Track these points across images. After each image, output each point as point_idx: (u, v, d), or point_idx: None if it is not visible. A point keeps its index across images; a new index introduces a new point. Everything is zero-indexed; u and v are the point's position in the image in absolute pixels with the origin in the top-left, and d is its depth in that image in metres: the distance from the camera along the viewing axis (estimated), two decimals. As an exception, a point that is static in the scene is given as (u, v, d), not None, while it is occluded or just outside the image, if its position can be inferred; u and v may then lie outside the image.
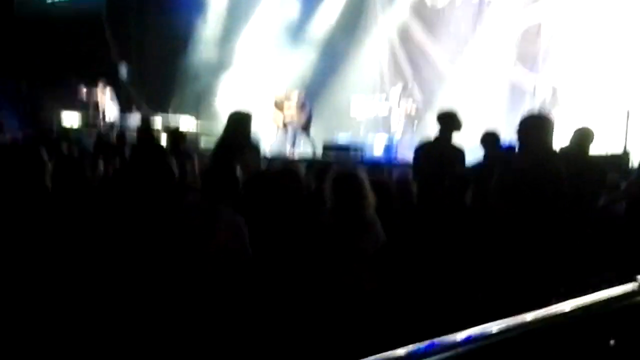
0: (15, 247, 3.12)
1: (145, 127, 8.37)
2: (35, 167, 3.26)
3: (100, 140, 11.72)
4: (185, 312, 3.83)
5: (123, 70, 19.09)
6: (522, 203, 4.81)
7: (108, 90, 16.63)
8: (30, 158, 3.28)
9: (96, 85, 16.75)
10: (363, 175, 4.83)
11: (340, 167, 5.35)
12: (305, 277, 4.40)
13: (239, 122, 6.71)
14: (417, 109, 15.49)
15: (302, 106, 15.05)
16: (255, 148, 6.63)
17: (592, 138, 6.53)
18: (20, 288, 3.12)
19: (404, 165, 11.20)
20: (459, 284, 5.08)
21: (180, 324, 3.77)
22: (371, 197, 4.72)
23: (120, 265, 3.85)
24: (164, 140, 10.25)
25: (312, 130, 16.04)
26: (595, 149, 9.94)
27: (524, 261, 4.75)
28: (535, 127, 5.02)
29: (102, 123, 17.01)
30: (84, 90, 17.13)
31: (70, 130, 18.66)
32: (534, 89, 13.27)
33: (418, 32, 17.45)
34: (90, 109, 18.40)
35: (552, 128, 5.02)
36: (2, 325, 3.01)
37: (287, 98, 15.26)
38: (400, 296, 4.76)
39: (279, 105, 15.31)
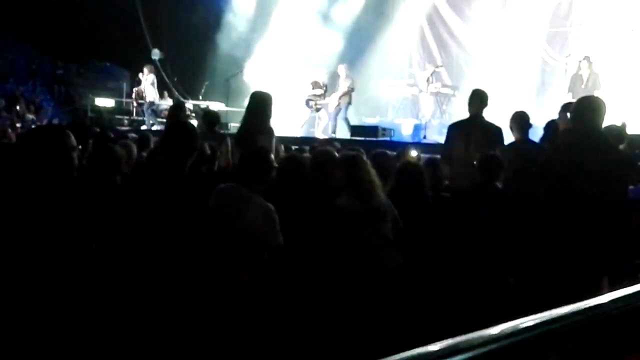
0: (40, 231, 3.17)
1: (178, 108, 8.35)
2: (62, 151, 3.31)
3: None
4: (211, 299, 3.88)
5: (156, 56, 19.22)
6: (579, 184, 4.75)
7: (152, 76, 16.80)
8: (58, 142, 3.33)
9: (141, 71, 16.89)
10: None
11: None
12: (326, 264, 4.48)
13: (259, 103, 6.71)
14: (445, 92, 15.41)
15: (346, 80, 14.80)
16: (269, 131, 6.62)
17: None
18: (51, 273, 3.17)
19: (433, 146, 11.24)
20: (492, 269, 5.11)
21: (205, 310, 3.82)
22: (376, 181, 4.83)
23: (148, 250, 3.89)
24: (195, 123, 10.30)
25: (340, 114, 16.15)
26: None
27: (566, 246, 4.69)
28: (591, 108, 5.00)
29: (139, 108, 17.21)
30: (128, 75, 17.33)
31: (104, 114, 18.89)
32: (565, 70, 13.12)
33: (447, 12, 17.38)
34: (125, 94, 18.61)
35: (604, 111, 5.01)
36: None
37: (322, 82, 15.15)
38: (432, 281, 4.83)
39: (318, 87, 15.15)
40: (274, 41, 18.47)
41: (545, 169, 5.13)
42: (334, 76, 15.32)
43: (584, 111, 4.99)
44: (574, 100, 10.42)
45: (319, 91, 15.00)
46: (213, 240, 4.02)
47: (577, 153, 4.82)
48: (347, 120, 14.38)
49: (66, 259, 3.17)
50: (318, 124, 15.17)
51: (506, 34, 16.22)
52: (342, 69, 14.65)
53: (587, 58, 12.48)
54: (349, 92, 14.30)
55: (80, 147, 3.86)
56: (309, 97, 15.08)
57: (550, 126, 7.01)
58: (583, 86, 12.19)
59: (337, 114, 14.36)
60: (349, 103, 14.41)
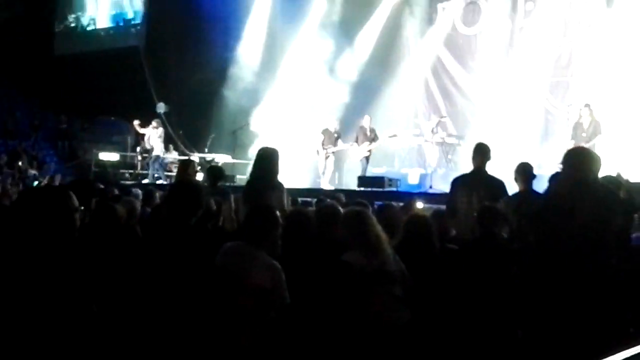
0: (39, 288, 3.13)
1: (187, 165, 8.32)
2: (64, 214, 3.27)
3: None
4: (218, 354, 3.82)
5: (161, 109, 19.34)
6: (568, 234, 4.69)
7: (160, 130, 16.93)
8: (60, 204, 3.29)
9: (149, 124, 17.01)
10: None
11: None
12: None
13: (266, 159, 6.67)
14: (451, 141, 15.43)
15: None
16: (279, 187, 6.58)
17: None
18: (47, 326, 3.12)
19: (439, 195, 11.20)
20: (500, 320, 5.03)
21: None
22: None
23: (154, 304, 3.85)
24: (200, 177, 10.28)
25: (347, 163, 16.17)
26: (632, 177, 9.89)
27: (562, 297, 4.61)
28: (580, 159, 4.96)
29: (143, 162, 17.26)
30: (137, 128, 17.45)
31: (108, 168, 18.94)
32: (568, 119, 13.17)
33: (450, 63, 17.54)
34: (130, 148, 18.69)
35: (596, 160, 4.96)
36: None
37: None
38: (438, 331, 4.75)
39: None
40: (280, 93, 18.57)
41: (535, 219, 5.08)
42: (346, 126, 15.56)
43: (573, 162, 4.96)
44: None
45: (331, 139, 15.21)
46: (217, 301, 3.97)
47: (567, 203, 4.76)
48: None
49: (67, 323, 3.11)
50: (324, 174, 15.16)
51: (509, 83, 16.32)
52: (367, 120, 15.06)
53: (587, 106, 12.53)
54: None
55: (82, 207, 3.81)
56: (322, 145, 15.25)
57: (555, 178, 6.98)
58: (584, 134, 12.27)
59: (367, 162, 14.98)
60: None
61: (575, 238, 4.62)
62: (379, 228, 4.83)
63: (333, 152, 15.18)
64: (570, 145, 11.81)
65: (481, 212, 5.72)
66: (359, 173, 14.87)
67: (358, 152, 14.98)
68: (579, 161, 4.93)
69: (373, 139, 14.88)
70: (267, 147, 6.92)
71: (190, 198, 4.31)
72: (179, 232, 4.18)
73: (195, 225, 4.33)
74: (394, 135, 15.56)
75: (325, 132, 15.25)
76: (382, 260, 4.71)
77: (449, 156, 15.33)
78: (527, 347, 4.86)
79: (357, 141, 15.00)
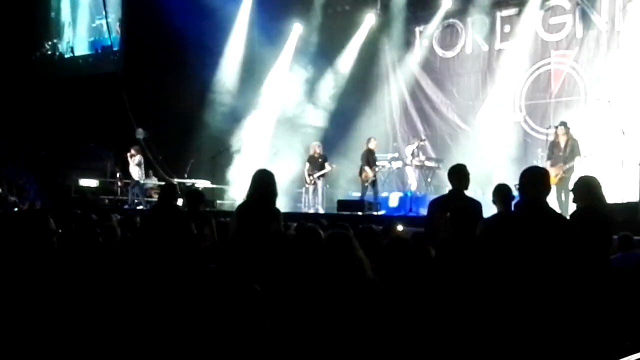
0: (19, 312, 3.11)
1: (169, 189, 8.24)
2: (42, 236, 3.26)
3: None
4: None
5: (140, 135, 19.29)
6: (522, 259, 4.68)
7: (139, 157, 16.86)
8: (38, 228, 3.28)
9: (128, 152, 16.95)
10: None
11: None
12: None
13: (264, 182, 6.56)
14: (430, 165, 15.53)
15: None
16: (276, 213, 6.51)
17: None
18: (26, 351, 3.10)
19: (420, 218, 11.23)
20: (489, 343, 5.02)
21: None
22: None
23: (134, 329, 3.82)
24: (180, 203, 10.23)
25: (326, 188, 16.23)
26: (611, 199, 9.95)
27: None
28: (532, 180, 4.94)
29: (124, 188, 17.17)
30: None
31: (88, 195, 18.80)
32: (547, 142, 13.17)
33: (429, 86, 17.67)
34: (110, 174, 18.59)
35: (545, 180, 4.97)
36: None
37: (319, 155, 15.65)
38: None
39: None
40: (260, 118, 18.57)
41: (485, 244, 5.07)
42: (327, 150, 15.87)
43: (525, 183, 4.94)
44: (552, 169, 10.49)
45: (316, 164, 15.49)
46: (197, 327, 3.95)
47: (517, 230, 4.79)
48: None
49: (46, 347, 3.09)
50: (307, 200, 15.22)
51: (487, 106, 16.50)
52: (374, 144, 15.39)
53: (563, 124, 12.50)
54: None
55: (60, 231, 3.80)
56: (309, 172, 15.58)
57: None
58: (561, 153, 12.25)
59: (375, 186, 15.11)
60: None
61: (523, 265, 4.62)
62: (360, 252, 4.82)
63: (319, 177, 15.33)
64: (547, 166, 11.89)
65: (453, 213, 5.73)
66: (341, 197, 14.96)
67: (370, 174, 15.06)
68: (528, 182, 4.92)
69: (375, 162, 15.17)
70: (263, 170, 6.76)
71: (173, 222, 4.29)
72: (161, 257, 4.15)
73: (177, 248, 4.30)
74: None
75: (311, 159, 15.35)
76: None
77: (429, 179, 15.43)
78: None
79: (368, 165, 15.09)
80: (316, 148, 15.70)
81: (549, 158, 12.51)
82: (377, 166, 15.20)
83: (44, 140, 21.82)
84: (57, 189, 19.90)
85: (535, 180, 4.91)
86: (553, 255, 4.62)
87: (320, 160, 15.44)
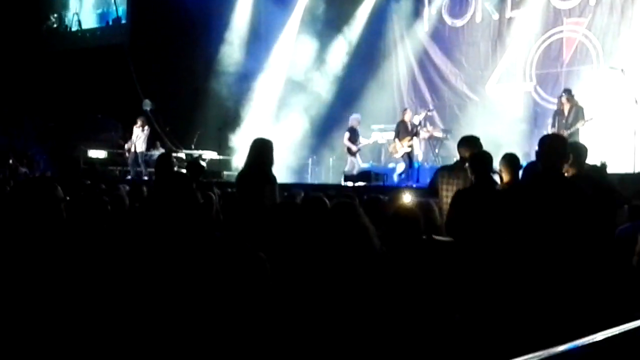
0: (27, 280, 3.12)
1: (164, 159, 8.25)
2: (49, 203, 3.26)
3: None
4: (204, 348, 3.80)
5: (147, 106, 19.27)
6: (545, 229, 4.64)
7: (146, 129, 16.82)
8: (45, 194, 3.28)
9: (134, 123, 16.91)
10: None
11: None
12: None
13: (261, 150, 6.69)
14: (438, 135, 15.44)
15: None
16: (272, 180, 6.58)
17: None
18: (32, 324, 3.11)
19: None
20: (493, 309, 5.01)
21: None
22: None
23: (140, 296, 3.83)
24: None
25: (332, 160, 16.14)
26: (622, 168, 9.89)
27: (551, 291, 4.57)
28: (548, 149, 4.89)
29: (130, 160, 17.12)
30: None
31: (96, 165, 18.86)
32: (557, 109, 13.01)
33: (437, 56, 17.51)
34: (118, 145, 18.61)
35: (562, 147, 4.92)
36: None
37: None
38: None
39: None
40: (266, 88, 18.52)
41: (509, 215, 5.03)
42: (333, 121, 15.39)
43: (541, 152, 4.92)
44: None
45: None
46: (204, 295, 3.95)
47: (536, 198, 4.73)
48: None
49: (59, 312, 3.10)
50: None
51: (497, 76, 16.36)
52: (409, 114, 14.80)
53: (566, 91, 12.42)
54: None
55: (68, 198, 3.80)
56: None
57: (529, 167, 6.88)
58: (564, 121, 12.15)
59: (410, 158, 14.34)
60: None
61: (550, 238, 4.57)
62: (366, 219, 4.81)
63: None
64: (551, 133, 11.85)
65: (472, 159, 5.91)
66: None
67: (399, 148, 14.34)
68: (545, 150, 4.88)
69: (415, 133, 14.29)
70: (261, 138, 6.91)
71: (178, 189, 4.28)
72: (169, 225, 4.15)
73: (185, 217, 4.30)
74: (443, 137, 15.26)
75: (352, 130, 15.17)
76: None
77: (436, 150, 15.36)
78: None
79: (397, 137, 14.42)
80: (357, 118, 15.30)
81: (552, 126, 12.41)
82: (409, 139, 14.22)
83: (52, 112, 21.84)
84: (66, 160, 19.99)
85: (555, 148, 4.87)
86: (573, 223, 4.60)
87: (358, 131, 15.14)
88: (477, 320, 4.89)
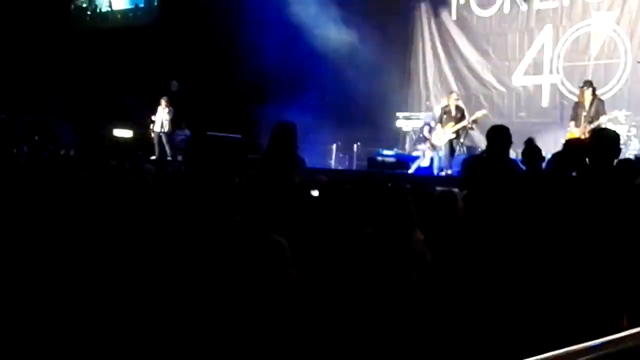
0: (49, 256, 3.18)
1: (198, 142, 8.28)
2: (71, 183, 3.33)
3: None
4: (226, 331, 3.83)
5: (174, 87, 19.34)
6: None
7: (170, 109, 16.88)
8: (67, 175, 3.34)
9: (158, 103, 16.98)
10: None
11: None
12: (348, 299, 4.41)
13: (283, 134, 6.67)
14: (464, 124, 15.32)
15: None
16: (298, 162, 6.56)
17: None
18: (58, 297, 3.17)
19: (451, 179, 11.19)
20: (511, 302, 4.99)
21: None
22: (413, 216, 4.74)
23: (161, 277, 3.87)
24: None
25: (357, 146, 16.09)
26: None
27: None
28: (598, 144, 4.83)
29: (155, 140, 17.19)
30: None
31: (121, 145, 18.97)
32: (578, 101, 12.78)
33: (464, 45, 17.40)
34: (142, 126, 18.67)
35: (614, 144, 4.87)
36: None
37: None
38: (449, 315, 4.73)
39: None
40: (292, 72, 18.47)
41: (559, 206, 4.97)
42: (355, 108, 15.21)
43: (592, 147, 4.87)
44: (576, 129, 10.33)
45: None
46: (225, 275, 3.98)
47: (585, 192, 4.68)
48: None
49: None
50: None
51: (524, 67, 16.26)
52: (453, 98, 13.92)
53: (587, 83, 12.16)
54: None
55: (92, 177, 3.85)
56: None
57: (554, 159, 6.80)
58: (585, 113, 11.89)
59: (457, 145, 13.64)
60: None
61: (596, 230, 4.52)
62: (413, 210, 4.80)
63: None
64: (571, 126, 11.79)
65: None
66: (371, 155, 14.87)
67: (442, 135, 13.55)
68: (597, 148, 4.81)
69: (460, 118, 13.40)
70: (284, 122, 6.89)
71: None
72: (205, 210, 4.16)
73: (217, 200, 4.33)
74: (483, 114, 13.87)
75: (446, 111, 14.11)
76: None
77: (461, 140, 15.27)
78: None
79: (441, 122, 13.69)
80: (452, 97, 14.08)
81: (572, 118, 12.11)
82: (461, 121, 13.41)
83: (79, 90, 21.98)
84: (91, 138, 20.16)
85: (607, 143, 4.82)
86: (623, 219, 4.53)
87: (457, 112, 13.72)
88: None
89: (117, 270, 3.74)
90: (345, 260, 4.59)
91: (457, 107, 13.60)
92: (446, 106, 13.81)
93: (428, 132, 14.40)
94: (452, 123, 13.40)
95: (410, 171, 14.08)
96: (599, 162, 4.80)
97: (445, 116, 13.61)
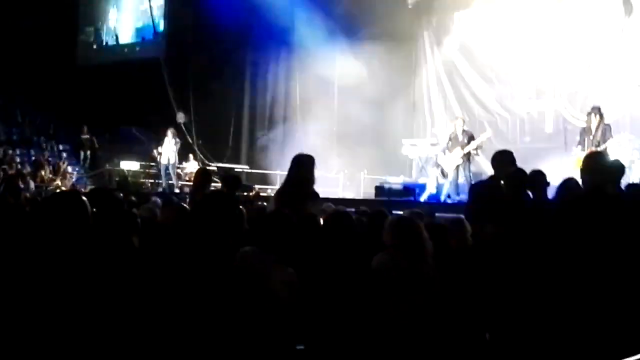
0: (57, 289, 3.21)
1: (204, 174, 8.31)
2: (77, 216, 3.36)
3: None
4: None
5: (181, 119, 19.47)
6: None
7: (176, 141, 16.97)
8: (76, 208, 3.38)
9: (165, 135, 17.06)
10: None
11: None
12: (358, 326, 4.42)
13: (303, 166, 6.62)
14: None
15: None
16: (315, 197, 6.53)
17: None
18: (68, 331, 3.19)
19: (457, 206, 11.19)
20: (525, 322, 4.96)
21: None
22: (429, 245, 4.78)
23: (171, 308, 3.89)
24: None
25: (364, 174, 16.12)
26: None
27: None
28: (592, 167, 4.79)
29: (161, 172, 17.26)
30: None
31: (128, 177, 19.06)
32: (586, 126, 12.79)
33: (467, 72, 17.56)
34: (150, 158, 18.77)
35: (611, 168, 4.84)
36: None
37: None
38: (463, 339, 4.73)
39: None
40: (297, 102, 18.62)
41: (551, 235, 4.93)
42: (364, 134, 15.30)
43: (586, 171, 4.80)
44: (582, 153, 10.26)
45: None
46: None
47: (581, 219, 4.55)
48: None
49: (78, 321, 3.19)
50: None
51: (526, 92, 16.35)
52: (459, 123, 13.70)
53: (595, 109, 12.11)
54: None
55: (98, 211, 3.89)
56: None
57: (563, 185, 6.76)
58: (592, 137, 11.82)
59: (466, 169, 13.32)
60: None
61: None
62: (427, 237, 4.83)
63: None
64: (577, 151, 11.71)
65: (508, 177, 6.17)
66: (377, 182, 14.88)
67: (449, 161, 13.43)
68: (591, 172, 4.76)
69: (467, 143, 13.17)
70: (303, 154, 6.81)
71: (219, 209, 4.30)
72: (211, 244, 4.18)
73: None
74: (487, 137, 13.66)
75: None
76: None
77: (468, 165, 15.27)
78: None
79: (448, 148, 13.55)
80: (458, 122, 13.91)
81: (579, 143, 12.06)
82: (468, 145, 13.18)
83: (86, 123, 22.13)
84: (99, 171, 20.29)
85: (601, 166, 4.82)
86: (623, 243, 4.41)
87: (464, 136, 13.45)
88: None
89: (122, 311, 3.76)
90: (355, 289, 4.61)
91: (464, 132, 13.46)
92: (452, 132, 13.72)
93: (441, 159, 14.32)
94: (458, 148, 13.33)
95: (422, 199, 14.09)
96: (594, 187, 4.77)
97: (451, 142, 13.54)
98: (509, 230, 5.44)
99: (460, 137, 13.37)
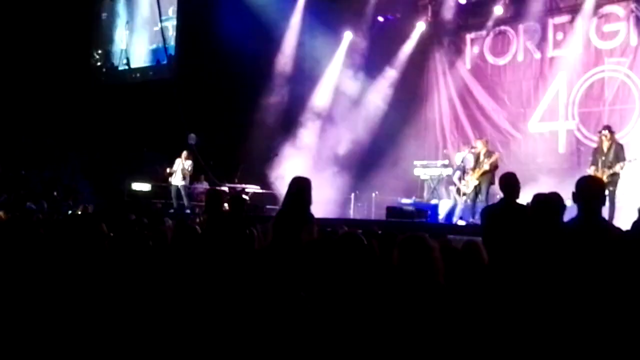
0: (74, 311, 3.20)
1: (216, 196, 8.30)
2: (94, 240, 3.36)
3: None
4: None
5: (192, 140, 19.49)
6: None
7: (188, 162, 16.98)
8: (90, 231, 3.38)
9: (178, 156, 17.06)
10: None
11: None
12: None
13: (297, 189, 6.65)
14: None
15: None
16: (310, 220, 6.53)
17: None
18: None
19: (469, 227, 11.15)
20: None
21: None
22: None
23: (180, 332, 3.88)
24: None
25: (375, 195, 16.08)
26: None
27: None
28: (584, 192, 4.61)
29: (173, 193, 17.25)
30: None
31: (140, 199, 19.06)
32: (597, 146, 12.68)
33: (479, 93, 17.57)
34: (162, 179, 18.77)
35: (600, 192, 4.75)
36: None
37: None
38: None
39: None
40: (309, 124, 18.63)
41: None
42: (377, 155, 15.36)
43: (578, 195, 4.65)
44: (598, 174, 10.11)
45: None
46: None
47: (571, 247, 4.50)
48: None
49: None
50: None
51: (539, 114, 16.32)
52: (479, 145, 13.70)
53: (607, 128, 12.06)
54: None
55: (112, 234, 3.88)
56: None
57: None
58: (604, 157, 11.73)
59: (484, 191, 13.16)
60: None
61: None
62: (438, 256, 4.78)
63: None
64: (591, 171, 11.55)
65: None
66: (389, 203, 14.84)
67: (469, 182, 13.45)
68: (582, 196, 4.61)
69: (482, 164, 13.18)
70: (299, 177, 6.85)
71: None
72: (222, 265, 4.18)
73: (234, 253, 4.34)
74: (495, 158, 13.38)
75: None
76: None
77: (481, 186, 15.21)
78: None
79: (472, 169, 13.60)
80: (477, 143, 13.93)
81: (592, 163, 11.96)
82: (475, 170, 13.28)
83: (97, 145, 22.21)
84: (110, 193, 20.31)
85: (593, 191, 4.67)
86: (614, 275, 4.30)
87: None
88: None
89: (134, 327, 3.75)
90: (365, 312, 4.56)
91: (486, 153, 13.38)
92: (476, 152, 13.70)
93: (458, 179, 14.38)
94: (477, 169, 13.35)
95: (440, 219, 14.11)
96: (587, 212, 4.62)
97: (474, 163, 13.57)
98: (537, 254, 5.36)
99: (481, 158, 13.36)
